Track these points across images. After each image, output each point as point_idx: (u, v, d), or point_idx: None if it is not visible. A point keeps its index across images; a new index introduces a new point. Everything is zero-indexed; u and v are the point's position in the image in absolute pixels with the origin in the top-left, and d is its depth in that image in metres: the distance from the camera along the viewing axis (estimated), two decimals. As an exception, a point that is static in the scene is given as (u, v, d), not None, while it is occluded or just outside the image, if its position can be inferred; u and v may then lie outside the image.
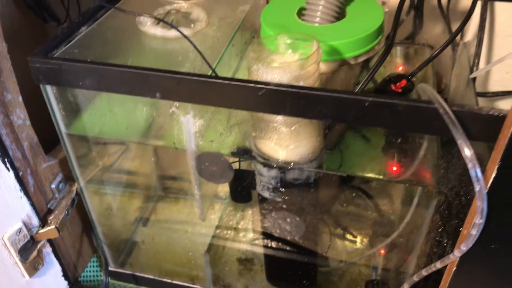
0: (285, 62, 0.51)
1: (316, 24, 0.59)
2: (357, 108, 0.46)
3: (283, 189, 0.60)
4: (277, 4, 0.64)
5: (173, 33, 0.55)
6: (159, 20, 0.55)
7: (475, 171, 0.40)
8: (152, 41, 0.59)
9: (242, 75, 0.74)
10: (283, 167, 0.57)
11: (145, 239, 0.89)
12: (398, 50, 0.81)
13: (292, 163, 0.56)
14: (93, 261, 0.85)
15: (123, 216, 0.87)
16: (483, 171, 0.42)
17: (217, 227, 0.85)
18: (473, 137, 0.44)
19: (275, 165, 0.57)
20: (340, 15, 0.60)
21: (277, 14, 0.62)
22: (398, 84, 0.65)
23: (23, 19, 0.87)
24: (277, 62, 0.52)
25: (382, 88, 0.66)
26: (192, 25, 0.59)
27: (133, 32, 0.60)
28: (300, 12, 0.61)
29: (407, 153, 0.55)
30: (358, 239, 0.79)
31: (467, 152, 0.40)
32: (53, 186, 0.67)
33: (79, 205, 0.73)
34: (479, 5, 0.68)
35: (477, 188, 0.40)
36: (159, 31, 0.58)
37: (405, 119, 0.45)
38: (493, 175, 0.41)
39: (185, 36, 0.52)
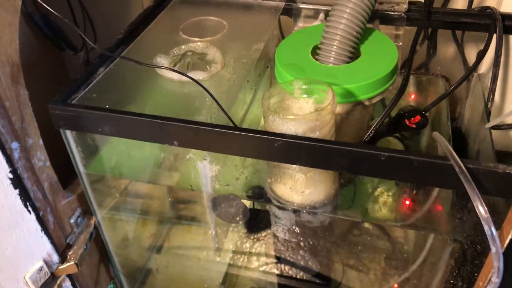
0: (301, 109, 0.51)
1: (331, 65, 0.59)
2: (372, 162, 0.46)
3: (297, 230, 0.61)
4: (291, 42, 0.64)
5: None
6: (175, 71, 0.56)
7: (491, 231, 0.41)
8: (168, 84, 0.59)
9: (256, 106, 0.75)
10: (297, 211, 0.58)
11: (159, 267, 0.90)
12: (411, 79, 0.81)
13: (307, 207, 0.56)
14: (110, 288, 0.87)
15: (138, 245, 0.88)
16: (500, 223, 0.42)
17: (232, 257, 0.86)
18: (489, 193, 0.44)
19: (289, 209, 0.58)
20: (354, 54, 0.60)
21: (291, 53, 0.61)
22: (412, 119, 0.65)
23: (41, 48, 0.88)
24: (292, 108, 0.53)
25: (396, 122, 0.66)
26: (208, 67, 0.60)
27: (150, 74, 0.60)
28: (315, 51, 0.62)
29: (422, 199, 0.55)
30: (372, 272, 0.79)
31: (483, 212, 0.41)
32: (72, 221, 0.69)
33: (96, 236, 0.75)
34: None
35: (493, 249, 0.41)
36: (175, 75, 0.58)
37: (420, 174, 0.45)
38: (510, 236, 0.41)
39: (202, 86, 0.53)
